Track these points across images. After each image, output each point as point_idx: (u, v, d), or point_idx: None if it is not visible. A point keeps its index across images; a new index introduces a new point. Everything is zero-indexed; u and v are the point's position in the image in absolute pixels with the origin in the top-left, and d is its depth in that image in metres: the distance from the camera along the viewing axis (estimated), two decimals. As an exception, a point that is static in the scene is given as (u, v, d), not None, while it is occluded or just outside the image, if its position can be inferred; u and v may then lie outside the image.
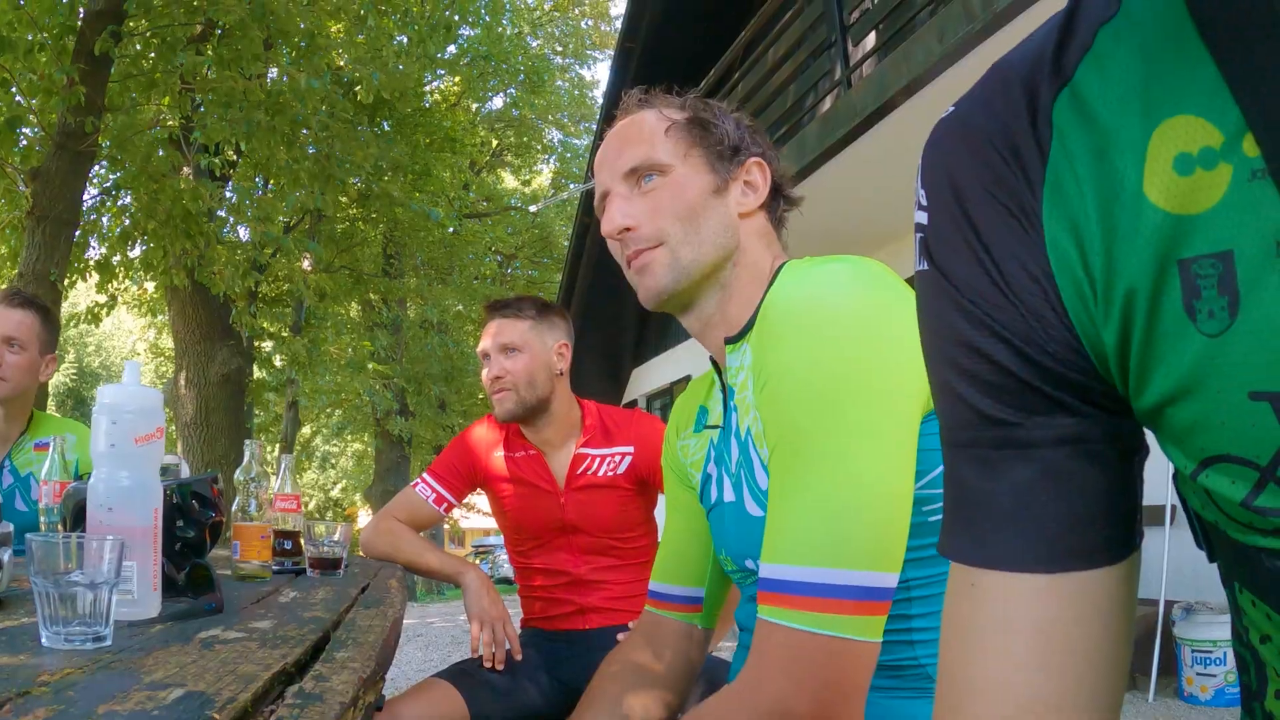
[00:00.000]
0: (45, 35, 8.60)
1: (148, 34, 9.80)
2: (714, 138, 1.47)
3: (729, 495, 1.44)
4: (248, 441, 2.24)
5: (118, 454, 1.35)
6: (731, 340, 1.41)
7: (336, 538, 2.31)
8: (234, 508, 2.13)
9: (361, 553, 2.98)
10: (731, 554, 1.45)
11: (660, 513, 2.90)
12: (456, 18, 14.87)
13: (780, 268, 1.41)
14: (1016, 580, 0.65)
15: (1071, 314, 0.61)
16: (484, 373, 2.84)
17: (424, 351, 19.44)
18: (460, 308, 21.03)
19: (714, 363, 1.54)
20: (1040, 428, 0.64)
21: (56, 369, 3.19)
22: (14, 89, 8.64)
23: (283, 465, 2.47)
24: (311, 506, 36.28)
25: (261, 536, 2.11)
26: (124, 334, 33.35)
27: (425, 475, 2.97)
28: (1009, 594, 0.65)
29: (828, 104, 7.54)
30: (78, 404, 32.34)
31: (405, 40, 13.21)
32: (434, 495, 2.91)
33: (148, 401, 1.38)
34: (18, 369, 2.94)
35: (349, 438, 29.90)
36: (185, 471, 2.23)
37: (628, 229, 1.45)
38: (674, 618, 1.71)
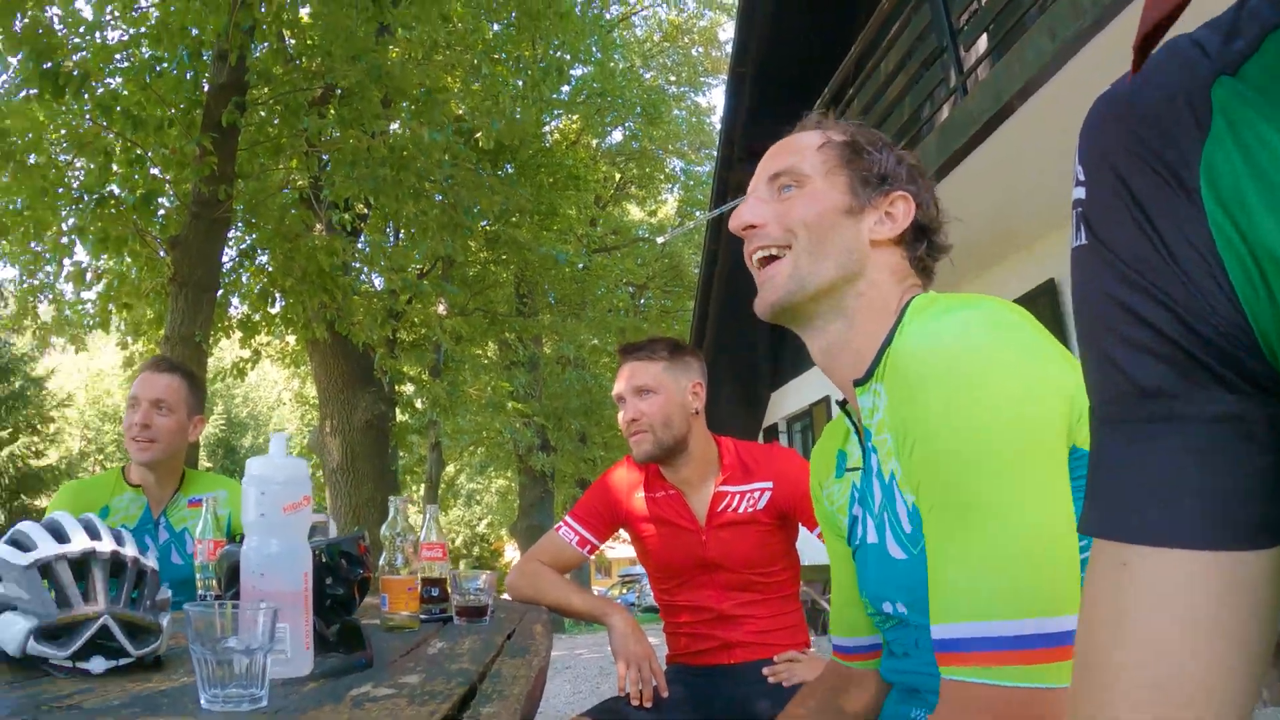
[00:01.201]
0: (174, 111, 9.02)
1: (270, 101, 10.20)
2: (864, 163, 1.47)
3: (872, 537, 1.42)
4: (393, 498, 2.31)
5: (267, 523, 1.41)
6: (860, 382, 1.39)
7: (481, 585, 2.36)
8: (381, 561, 2.20)
9: (507, 596, 3.03)
10: (870, 596, 1.44)
11: (802, 545, 2.89)
12: (568, 58, 15.10)
13: (907, 305, 1.39)
14: (1171, 558, 0.64)
15: (1238, 288, 0.61)
16: (620, 416, 2.87)
17: (562, 387, 19.69)
18: (595, 341, 21.24)
19: (843, 406, 1.54)
20: (1198, 402, 0.63)
21: (204, 428, 3.33)
22: (149, 163, 9.08)
23: (427, 515, 2.54)
24: (458, 542, 36.94)
25: (409, 589, 2.17)
26: (269, 384, 34.56)
27: (568, 518, 3.02)
28: (1162, 572, 0.64)
29: (945, 113, 7.42)
30: (228, 453, 33.60)
31: (521, 84, 13.47)
32: (577, 538, 2.96)
33: (294, 472, 1.44)
34: (167, 431, 3.10)
35: (493, 474, 30.42)
36: (333, 530, 2.31)
37: (753, 226, 1.47)
38: (860, 666, 1.70)
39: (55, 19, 8.62)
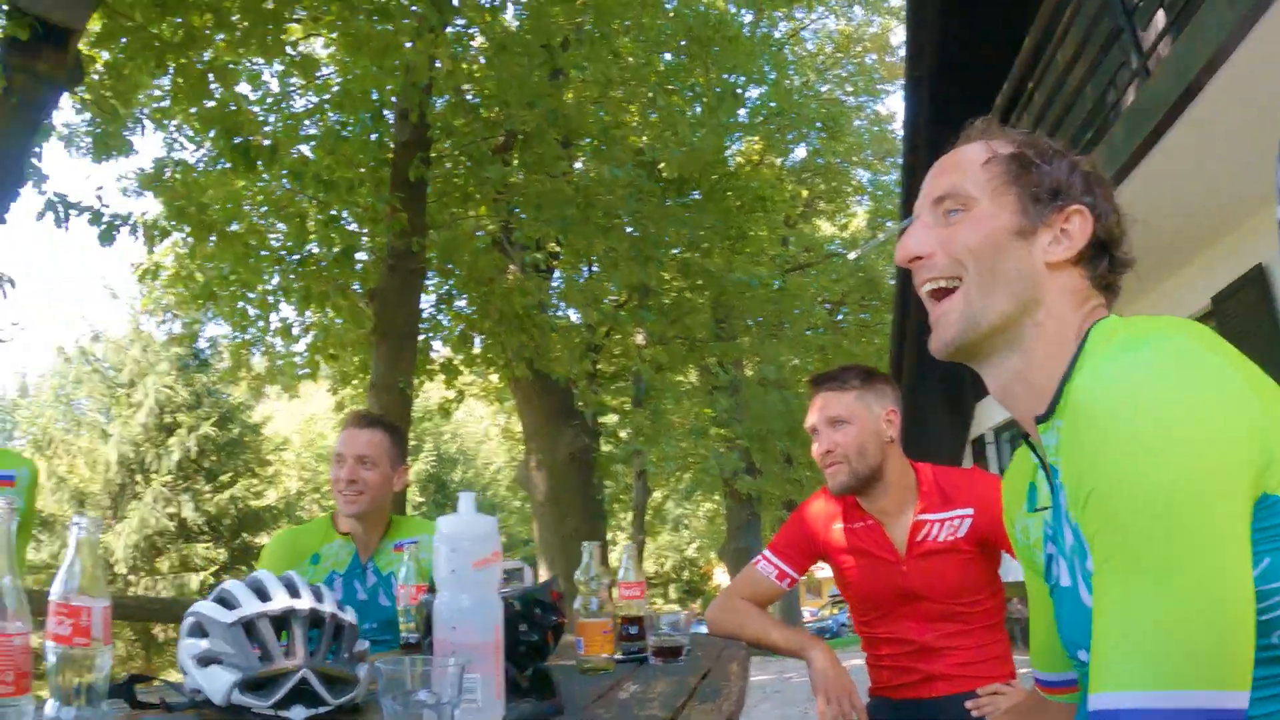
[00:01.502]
0: (362, 170, 9.47)
1: (455, 153, 10.58)
2: (1033, 177, 1.37)
3: (1065, 579, 1.33)
4: (585, 544, 2.34)
5: (458, 579, 1.46)
6: (1042, 419, 1.31)
7: (678, 624, 2.36)
8: (576, 605, 2.23)
9: (707, 631, 3.03)
10: (1066, 641, 1.35)
11: (1007, 562, 2.78)
12: (741, 80, 15.14)
13: (1088, 332, 1.30)
14: None
15: None
16: (814, 448, 2.83)
17: (765, 409, 19.59)
18: (796, 361, 21.08)
19: (1027, 440, 1.46)
20: None
21: (408, 475, 3.45)
22: (343, 221, 9.56)
23: (625, 555, 2.56)
24: (667, 567, 37.15)
25: (603, 631, 2.19)
26: (476, 419, 35.55)
27: (766, 552, 3.00)
28: None
29: (1130, 96, 7.05)
30: (439, 488, 34.70)
31: (698, 110, 13.55)
32: (775, 571, 2.94)
33: (483, 529, 1.49)
34: (373, 485, 3.22)
35: (699, 499, 30.52)
36: (529, 577, 2.36)
37: (919, 257, 1.40)
38: (1063, 699, 1.64)
39: (242, 93, 9.23)
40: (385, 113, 9.69)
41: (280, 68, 9.57)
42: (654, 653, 2.34)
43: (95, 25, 7.45)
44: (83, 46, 7.20)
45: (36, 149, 8.60)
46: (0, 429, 30.94)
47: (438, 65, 8.39)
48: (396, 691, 1.19)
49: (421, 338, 10.63)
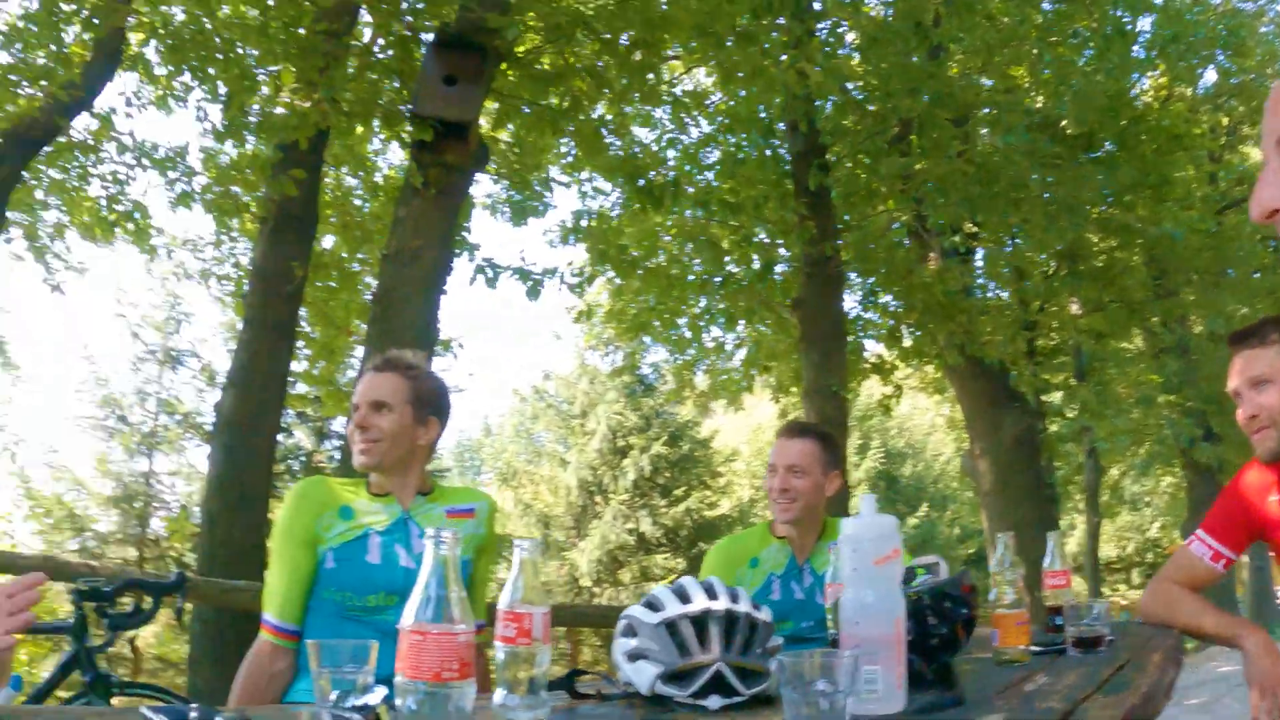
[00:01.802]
0: (764, 188, 9.73)
1: (852, 153, 10.60)
2: None
3: None
4: (999, 535, 2.36)
5: (860, 576, 1.62)
6: None
7: (1096, 614, 2.32)
8: (992, 597, 2.25)
9: (1140, 619, 2.90)
10: None
11: None
12: (1128, 17, 13.99)
13: None
14: None
15: None
16: (1238, 413, 2.62)
17: (1218, 367, 17.89)
18: (1245, 310, 19.07)
19: None
20: None
21: (839, 482, 3.53)
22: (757, 238, 9.87)
23: (1049, 544, 2.54)
24: (1129, 550, 34.71)
25: (1018, 623, 2.20)
26: (921, 412, 35.02)
27: (1199, 531, 2.79)
28: None
29: None
30: (890, 484, 34.43)
31: (1088, 55, 12.73)
32: (1210, 553, 2.71)
33: (883, 529, 1.64)
34: (805, 492, 3.28)
35: (1158, 473, 28.32)
36: (944, 571, 2.41)
37: (1277, 210, 1.26)
38: None
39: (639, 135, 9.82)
40: (779, 125, 9.92)
41: (669, 107, 10.06)
42: (1073, 643, 2.32)
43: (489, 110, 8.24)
44: (483, 128, 8.00)
45: (466, 225, 9.66)
46: (470, 465, 34.47)
47: (818, 70, 8.49)
48: (797, 682, 1.33)
49: (851, 338, 10.77)
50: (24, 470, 17.58)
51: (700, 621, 1.74)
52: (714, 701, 1.68)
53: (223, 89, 8.01)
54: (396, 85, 7.76)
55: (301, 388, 12.96)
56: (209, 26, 7.31)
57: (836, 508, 4.07)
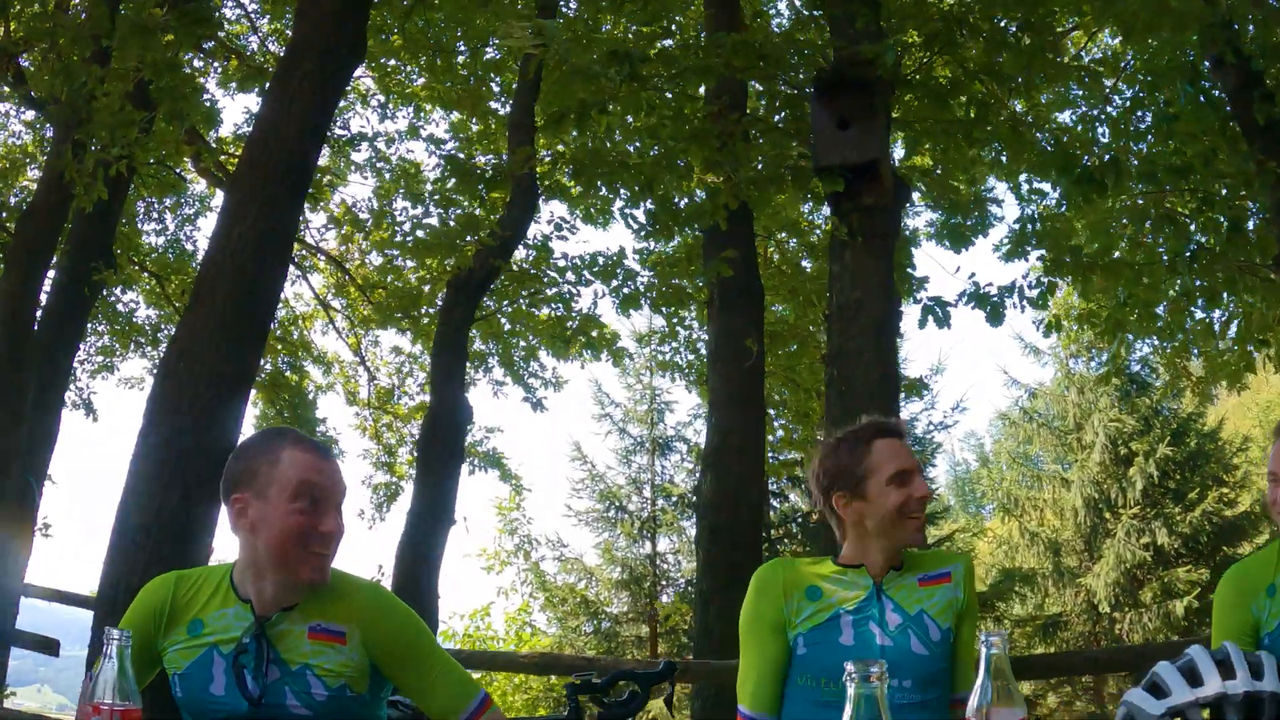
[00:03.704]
0: (1206, 140, 8.67)
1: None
2: None
3: None
4: None
5: None
6: None
7: None
8: None
9: None
10: None
11: None
12: None
13: None
14: None
15: None
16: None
17: None
18: None
19: None
20: None
21: None
22: (1218, 197, 8.80)
23: None
24: None
25: None
26: None
27: None
28: None
29: None
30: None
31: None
32: None
33: None
34: None
35: None
36: None
37: None
38: None
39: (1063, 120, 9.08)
40: (1203, 65, 8.86)
41: (1087, 80, 9.30)
42: None
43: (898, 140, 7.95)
44: (898, 160, 7.74)
45: (910, 264, 9.39)
46: (969, 498, 33.31)
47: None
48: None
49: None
50: (538, 565, 19.51)
51: (1217, 710, 1.37)
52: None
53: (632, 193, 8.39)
54: (795, 144, 7.72)
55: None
56: (607, 145, 7.66)
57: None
